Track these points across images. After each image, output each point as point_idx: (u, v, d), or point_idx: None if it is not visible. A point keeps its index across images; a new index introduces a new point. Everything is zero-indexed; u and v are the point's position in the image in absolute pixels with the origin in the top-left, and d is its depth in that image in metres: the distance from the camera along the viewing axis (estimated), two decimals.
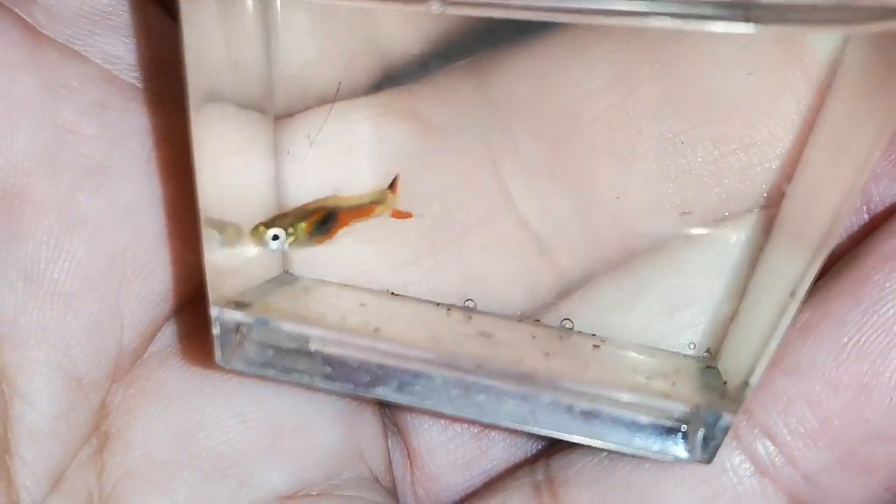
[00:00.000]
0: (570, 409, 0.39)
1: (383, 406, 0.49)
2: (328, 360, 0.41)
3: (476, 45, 0.41)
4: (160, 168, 0.43)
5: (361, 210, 0.43)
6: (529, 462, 0.47)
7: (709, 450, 0.39)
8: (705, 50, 0.40)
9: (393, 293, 0.44)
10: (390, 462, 0.49)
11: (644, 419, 0.39)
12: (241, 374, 0.43)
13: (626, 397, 0.39)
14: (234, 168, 0.41)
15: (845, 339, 0.40)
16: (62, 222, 0.41)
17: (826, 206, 0.35)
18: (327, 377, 0.41)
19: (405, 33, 0.41)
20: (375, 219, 0.43)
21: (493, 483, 0.47)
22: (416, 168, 0.43)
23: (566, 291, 0.44)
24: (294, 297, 0.43)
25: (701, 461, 0.39)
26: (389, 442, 0.49)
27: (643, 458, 0.42)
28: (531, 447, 0.48)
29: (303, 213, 0.42)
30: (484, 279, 0.44)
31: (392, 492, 0.48)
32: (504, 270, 0.44)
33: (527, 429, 0.40)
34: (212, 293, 0.40)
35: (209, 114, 0.38)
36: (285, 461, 0.45)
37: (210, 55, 0.38)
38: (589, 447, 0.43)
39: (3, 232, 0.41)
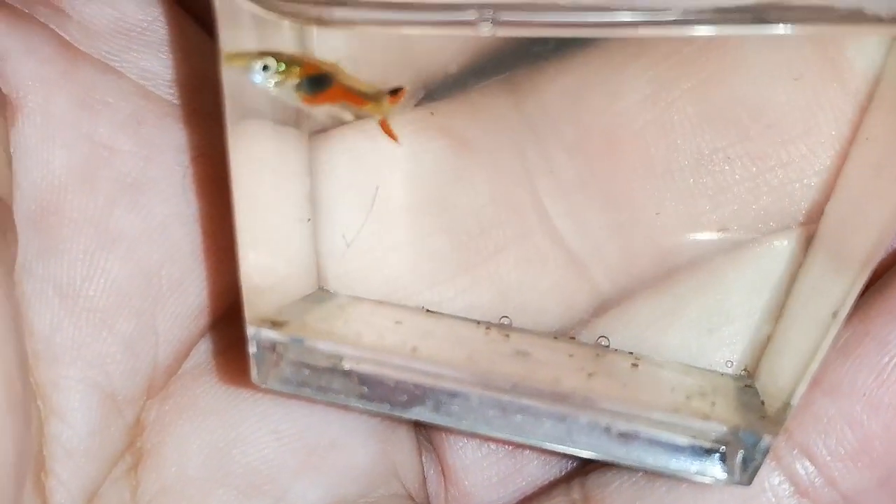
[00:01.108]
0: (607, 430, 0.39)
1: (417, 423, 0.49)
2: (364, 379, 0.40)
3: (512, 61, 0.41)
4: (196, 184, 0.43)
5: (354, 95, 0.41)
6: (565, 480, 0.47)
7: (748, 471, 0.39)
8: (743, 66, 0.39)
9: (428, 310, 0.44)
10: (424, 479, 0.48)
11: (682, 440, 0.39)
12: (276, 392, 0.43)
13: (665, 418, 0.39)
14: (270, 185, 0.41)
15: (886, 359, 0.40)
16: (98, 239, 0.41)
17: (869, 225, 0.35)
18: (363, 397, 0.41)
19: (441, 50, 0.41)
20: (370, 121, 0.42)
21: (528, 501, 0.47)
22: (451, 184, 0.43)
23: (602, 308, 0.44)
24: (329, 316, 0.43)
25: (740, 483, 0.39)
26: (423, 459, 0.49)
27: (680, 478, 0.42)
28: (566, 465, 0.48)
29: (300, 60, 0.40)
30: (519, 296, 0.44)
31: None
32: (539, 287, 0.44)
33: (564, 450, 0.40)
34: (248, 312, 0.40)
35: (246, 131, 0.38)
36: (320, 478, 0.45)
37: None
38: (625, 465, 0.42)
39: (40, 248, 0.41)
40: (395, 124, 0.42)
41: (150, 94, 0.43)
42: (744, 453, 0.39)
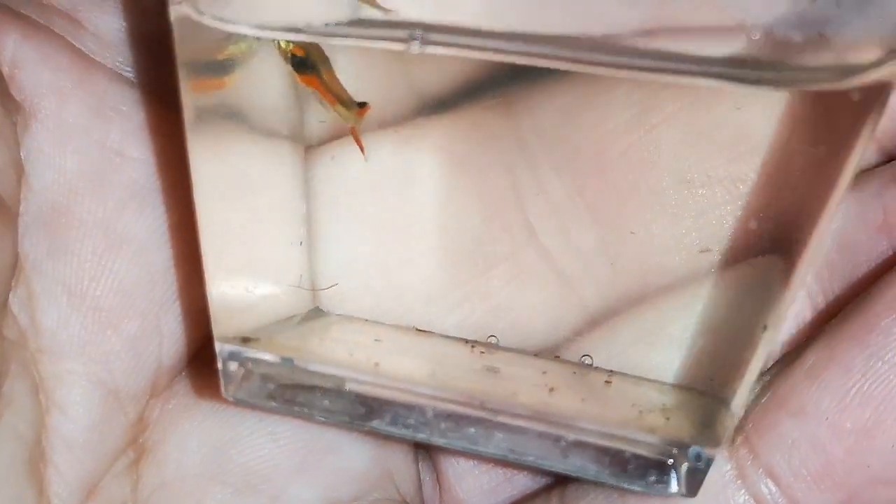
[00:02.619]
0: (557, 440, 0.40)
1: None
2: (326, 393, 0.42)
3: (506, 81, 0.42)
4: None
5: (328, 92, 0.41)
6: (545, 490, 0.47)
7: (693, 483, 0.39)
8: (726, 91, 0.40)
9: (418, 329, 0.45)
10: (420, 484, 0.49)
11: (630, 452, 0.40)
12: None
13: (614, 431, 0.39)
14: (247, 200, 0.43)
15: (849, 385, 0.40)
16: (107, 241, 0.43)
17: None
18: (325, 410, 0.42)
19: (439, 70, 0.42)
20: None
21: None
22: (442, 201, 0.44)
23: (589, 327, 0.45)
24: (310, 333, 0.44)
25: (685, 495, 0.40)
26: (420, 465, 0.50)
27: (652, 494, 0.42)
28: (554, 475, 0.48)
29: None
30: (508, 313, 0.44)
31: None
32: (528, 305, 0.44)
33: (514, 460, 0.41)
34: (216, 329, 0.42)
35: (207, 141, 0.39)
36: (315, 480, 0.46)
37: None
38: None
39: (50, 248, 0.42)
40: (394, 141, 0.43)
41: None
42: (688, 466, 0.39)
